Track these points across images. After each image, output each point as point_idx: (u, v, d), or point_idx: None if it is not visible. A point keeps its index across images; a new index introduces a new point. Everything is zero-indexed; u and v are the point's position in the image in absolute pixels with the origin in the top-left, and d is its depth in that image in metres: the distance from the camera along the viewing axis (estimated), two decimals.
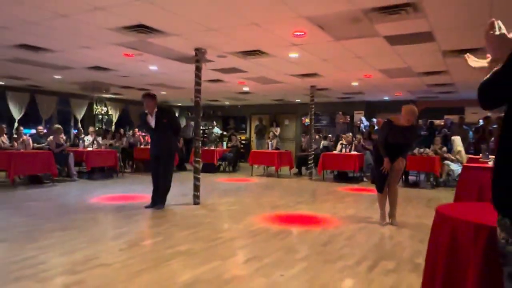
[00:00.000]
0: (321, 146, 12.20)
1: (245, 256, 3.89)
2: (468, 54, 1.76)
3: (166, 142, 6.19)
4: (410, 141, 5.55)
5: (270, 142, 12.72)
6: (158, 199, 6.21)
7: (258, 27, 5.51)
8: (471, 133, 11.33)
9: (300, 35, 5.88)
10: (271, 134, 13.53)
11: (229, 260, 3.73)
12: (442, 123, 13.38)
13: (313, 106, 11.37)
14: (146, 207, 6.17)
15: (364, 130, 13.16)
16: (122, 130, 13.13)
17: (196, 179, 6.76)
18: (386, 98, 14.11)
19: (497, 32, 1.45)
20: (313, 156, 11.24)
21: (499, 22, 1.48)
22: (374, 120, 12.91)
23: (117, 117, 16.01)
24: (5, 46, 6.81)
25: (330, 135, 13.75)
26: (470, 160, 6.59)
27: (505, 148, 1.33)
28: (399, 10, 4.67)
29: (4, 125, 9.60)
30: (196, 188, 6.74)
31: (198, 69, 6.70)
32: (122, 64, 8.46)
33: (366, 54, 7.12)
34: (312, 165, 11.21)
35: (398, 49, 6.62)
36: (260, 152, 12.51)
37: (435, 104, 14.18)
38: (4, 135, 9.32)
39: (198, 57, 6.70)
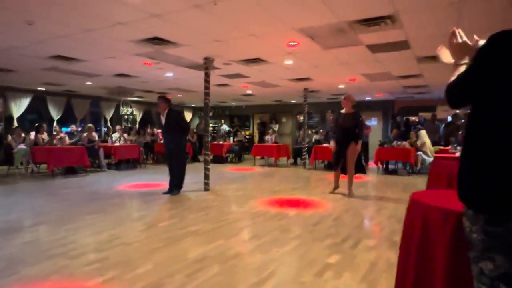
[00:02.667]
0: (313, 140, 12.09)
1: (246, 235, 3.85)
2: (441, 45, 1.68)
3: (175, 139, 6.10)
4: (354, 125, 5.95)
5: (269, 137, 12.64)
6: (174, 187, 6.19)
7: (256, 38, 5.39)
8: (442, 128, 11.18)
9: (293, 45, 5.76)
10: (270, 130, 13.44)
11: (232, 238, 3.68)
12: (417, 120, 13.25)
13: (306, 105, 11.27)
14: (164, 193, 6.16)
15: None
16: (148, 129, 12.96)
17: (207, 169, 6.70)
18: (368, 98, 13.94)
19: (459, 40, 1.43)
20: (306, 148, 11.15)
21: (460, 31, 1.46)
22: None
23: (140, 116, 15.94)
24: (43, 57, 6.73)
25: (321, 130, 13.62)
26: (440, 151, 6.46)
27: (469, 144, 1.25)
28: (379, 22, 4.54)
29: (44, 125, 9.56)
30: (206, 176, 6.68)
31: (207, 75, 6.61)
32: (142, 72, 8.37)
33: (350, 61, 6.99)
34: (306, 156, 11.13)
35: (379, 56, 6.48)
36: (261, 145, 12.42)
37: (411, 103, 14.03)
38: (44, 132, 9.29)
39: (207, 65, 6.61)
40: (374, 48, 5.95)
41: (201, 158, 12.44)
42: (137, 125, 15.27)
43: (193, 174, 8.03)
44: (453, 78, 1.33)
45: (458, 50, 1.44)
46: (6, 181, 7.67)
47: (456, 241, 1.50)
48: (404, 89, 10.92)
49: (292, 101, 15.41)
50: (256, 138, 16.82)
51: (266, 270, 2.81)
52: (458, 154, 5.20)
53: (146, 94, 12.91)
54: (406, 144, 9.69)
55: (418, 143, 9.57)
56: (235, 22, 4.68)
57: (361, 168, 6.36)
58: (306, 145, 11.20)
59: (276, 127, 16.09)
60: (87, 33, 5.15)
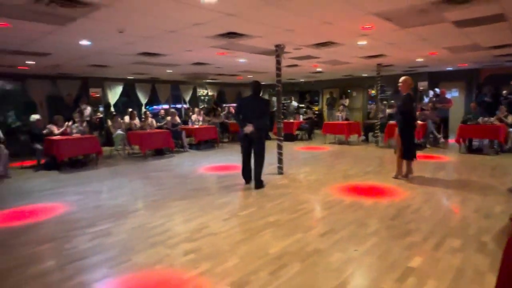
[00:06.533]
0: (386, 114, 11.34)
1: (323, 229, 3.79)
2: None
3: (261, 127, 5.49)
4: (400, 107, 5.72)
5: (339, 115, 12.16)
6: (250, 176, 5.72)
7: (329, 25, 5.10)
8: None
9: (368, 27, 5.33)
10: (341, 106, 12.91)
11: (310, 232, 3.68)
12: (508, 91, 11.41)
13: (379, 80, 10.52)
14: (247, 183, 5.75)
15: (428, 101, 11.84)
16: (219, 109, 13.47)
17: (280, 153, 6.75)
18: (449, 68, 12.47)
19: None
20: (379, 125, 10.54)
21: None
22: (437, 90, 11.54)
23: (215, 97, 16.51)
24: (132, 54, 7.29)
25: (394, 102, 12.67)
26: None
27: None
28: None
29: (135, 112, 10.47)
30: (280, 160, 6.75)
31: (278, 63, 6.50)
32: (216, 60, 8.56)
33: (431, 37, 6.25)
34: (378, 132, 10.54)
35: (466, 30, 5.69)
36: (331, 123, 12.04)
37: (500, 70, 12.13)
38: (136, 118, 10.21)
39: (278, 52, 6.48)
40: (462, 24, 5.22)
41: (272, 135, 12.60)
42: (212, 105, 15.90)
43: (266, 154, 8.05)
44: None
45: None
46: (109, 162, 8.67)
47: None
48: (494, 58, 9.51)
49: (363, 75, 14.51)
50: (325, 114, 16.35)
51: (345, 272, 2.80)
52: None
53: (219, 77, 13.28)
54: (493, 120, 8.54)
55: (510, 119, 8.37)
56: (308, 13, 4.47)
57: (406, 154, 5.80)
58: (379, 122, 10.57)
59: (346, 102, 15.39)
60: (169, 34, 5.39)
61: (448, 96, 11.38)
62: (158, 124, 10.49)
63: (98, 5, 3.85)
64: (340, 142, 11.52)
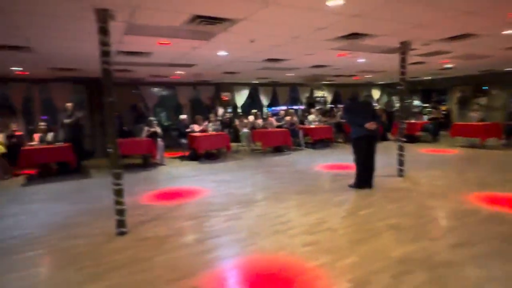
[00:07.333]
0: None
1: (454, 240, 3.29)
2: None
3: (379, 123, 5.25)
4: None
5: (474, 115, 10.33)
6: (370, 182, 5.36)
7: (471, 15, 4.37)
8: None
9: None
10: (476, 106, 10.95)
11: (438, 241, 3.25)
12: None
13: None
14: (351, 186, 5.45)
15: None
16: (334, 109, 13.18)
17: (401, 155, 6.16)
18: None
19: None
20: None
21: None
22: None
23: (331, 98, 16.19)
24: (258, 61, 7.78)
25: None
26: None
27: None
28: None
29: (259, 113, 11.14)
30: (401, 162, 6.16)
31: (403, 60, 5.92)
32: (335, 61, 8.37)
33: None
34: None
35: None
36: (463, 124, 10.32)
37: None
38: (260, 118, 10.85)
39: (403, 49, 5.91)
40: None
41: (389, 136, 11.62)
42: (328, 106, 15.63)
43: (383, 155, 7.53)
44: None
45: None
46: (236, 156, 9.46)
47: None
48: None
49: (506, 69, 11.95)
50: (455, 114, 14.13)
51: None
52: None
53: (336, 78, 12.94)
54: None
55: None
56: (445, 4, 3.92)
57: None
58: None
59: (483, 100, 12.98)
60: (293, 40, 5.53)
61: None
62: (278, 123, 10.91)
63: (236, 20, 4.24)
64: (472, 145, 9.78)
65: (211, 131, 9.34)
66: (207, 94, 13.15)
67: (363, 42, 5.92)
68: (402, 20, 4.51)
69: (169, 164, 8.40)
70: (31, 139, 7.50)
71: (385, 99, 16.74)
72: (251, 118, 11.09)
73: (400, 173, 6.15)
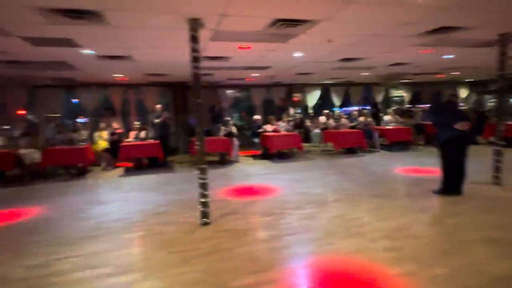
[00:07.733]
0: None
1: None
2: None
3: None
4: None
5: None
6: (460, 189, 4.86)
7: None
8: None
9: None
10: None
11: None
12: None
13: None
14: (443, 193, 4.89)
15: None
16: (414, 109, 12.17)
17: (497, 160, 5.44)
18: None
19: None
20: None
21: None
22: None
23: (409, 97, 15.00)
24: (332, 61, 7.62)
25: None
26: None
27: None
28: None
29: (330, 113, 10.90)
30: (497, 169, 5.43)
31: (502, 54, 5.20)
32: (416, 59, 7.73)
33: None
34: None
35: None
36: None
37: None
38: (331, 119, 10.60)
39: (503, 42, 5.20)
40: None
41: (480, 139, 10.29)
42: (405, 106, 14.51)
43: (474, 160, 6.64)
44: None
45: None
46: (307, 156, 9.38)
47: None
48: None
49: None
50: None
51: None
52: None
53: (416, 76, 11.95)
54: None
55: None
56: None
57: None
58: None
59: None
60: (372, 37, 5.29)
61: None
62: (351, 124, 10.52)
63: (317, 21, 4.23)
64: None
65: (283, 131, 9.44)
66: (279, 95, 13.33)
67: (452, 36, 5.37)
68: (500, 9, 3.98)
69: (243, 162, 8.73)
70: (127, 137, 8.52)
71: (473, 98, 14.89)
72: (322, 118, 10.90)
73: (496, 181, 5.43)
